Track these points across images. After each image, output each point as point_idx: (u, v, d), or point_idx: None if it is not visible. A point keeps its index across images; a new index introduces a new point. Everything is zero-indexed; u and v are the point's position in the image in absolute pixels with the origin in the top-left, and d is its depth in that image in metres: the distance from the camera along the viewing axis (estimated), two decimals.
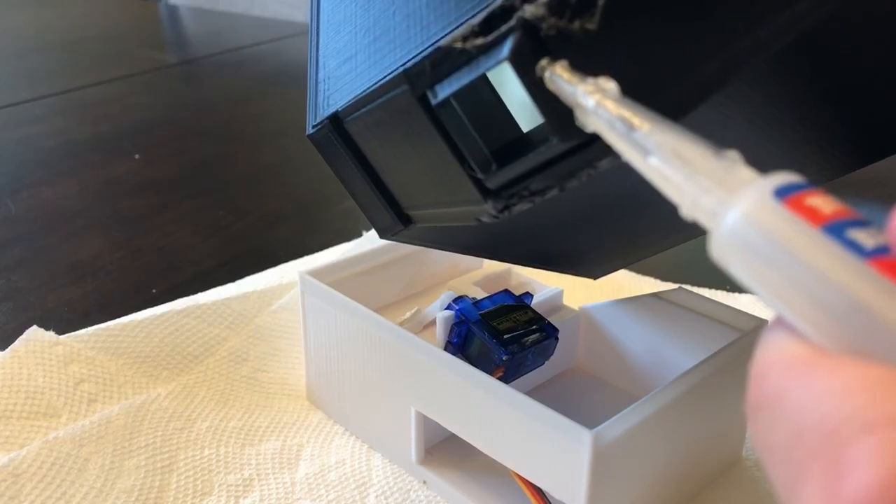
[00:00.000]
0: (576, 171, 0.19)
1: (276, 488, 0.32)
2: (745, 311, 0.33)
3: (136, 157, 0.66)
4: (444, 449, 0.33)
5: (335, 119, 0.24)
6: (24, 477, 0.31)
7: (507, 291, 0.35)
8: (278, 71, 0.93)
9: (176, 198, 0.59)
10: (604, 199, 0.27)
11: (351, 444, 0.35)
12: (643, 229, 0.32)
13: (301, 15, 1.18)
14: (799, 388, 0.12)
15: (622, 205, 0.27)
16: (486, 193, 0.21)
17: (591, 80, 0.17)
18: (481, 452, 0.30)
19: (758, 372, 0.13)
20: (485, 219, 0.21)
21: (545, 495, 0.29)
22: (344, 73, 0.24)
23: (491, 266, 0.42)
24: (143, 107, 0.80)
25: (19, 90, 0.83)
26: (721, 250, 0.13)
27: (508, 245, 0.29)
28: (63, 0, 1.27)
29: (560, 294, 0.37)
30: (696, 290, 0.37)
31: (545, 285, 0.38)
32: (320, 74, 0.26)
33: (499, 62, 0.18)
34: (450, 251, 0.29)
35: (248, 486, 0.33)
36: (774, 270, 0.12)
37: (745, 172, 0.14)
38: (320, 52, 0.26)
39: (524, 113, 0.20)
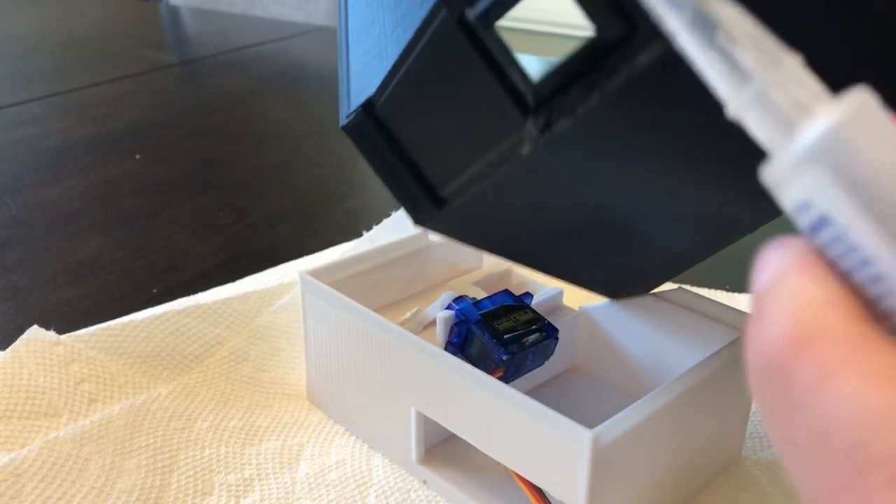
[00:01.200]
0: (615, 70, 0.19)
1: (277, 488, 0.32)
2: (745, 311, 0.33)
3: (137, 157, 0.66)
4: (444, 449, 0.33)
5: (368, 105, 0.25)
6: (25, 477, 0.31)
7: (507, 291, 0.35)
8: (279, 71, 0.93)
9: (176, 198, 0.59)
10: (632, 226, 0.27)
11: (351, 443, 0.35)
12: (666, 258, 0.32)
13: (301, 15, 1.19)
14: (835, 386, 0.11)
15: (649, 234, 0.28)
16: (527, 111, 0.21)
17: None
18: (481, 452, 0.30)
19: (785, 335, 0.12)
20: (526, 149, 0.21)
21: (545, 495, 0.29)
22: (376, 66, 0.25)
23: (491, 266, 0.42)
24: (143, 107, 0.80)
25: (19, 90, 0.83)
26: (795, 160, 0.12)
27: (533, 247, 0.29)
28: (63, 0, 1.27)
29: (560, 294, 0.37)
30: (696, 290, 0.38)
31: (545, 285, 0.38)
32: (352, 71, 0.26)
33: None
34: (478, 248, 0.29)
35: (249, 485, 0.33)
36: (878, 187, 0.11)
37: (812, 80, 0.12)
38: (350, 55, 0.27)
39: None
